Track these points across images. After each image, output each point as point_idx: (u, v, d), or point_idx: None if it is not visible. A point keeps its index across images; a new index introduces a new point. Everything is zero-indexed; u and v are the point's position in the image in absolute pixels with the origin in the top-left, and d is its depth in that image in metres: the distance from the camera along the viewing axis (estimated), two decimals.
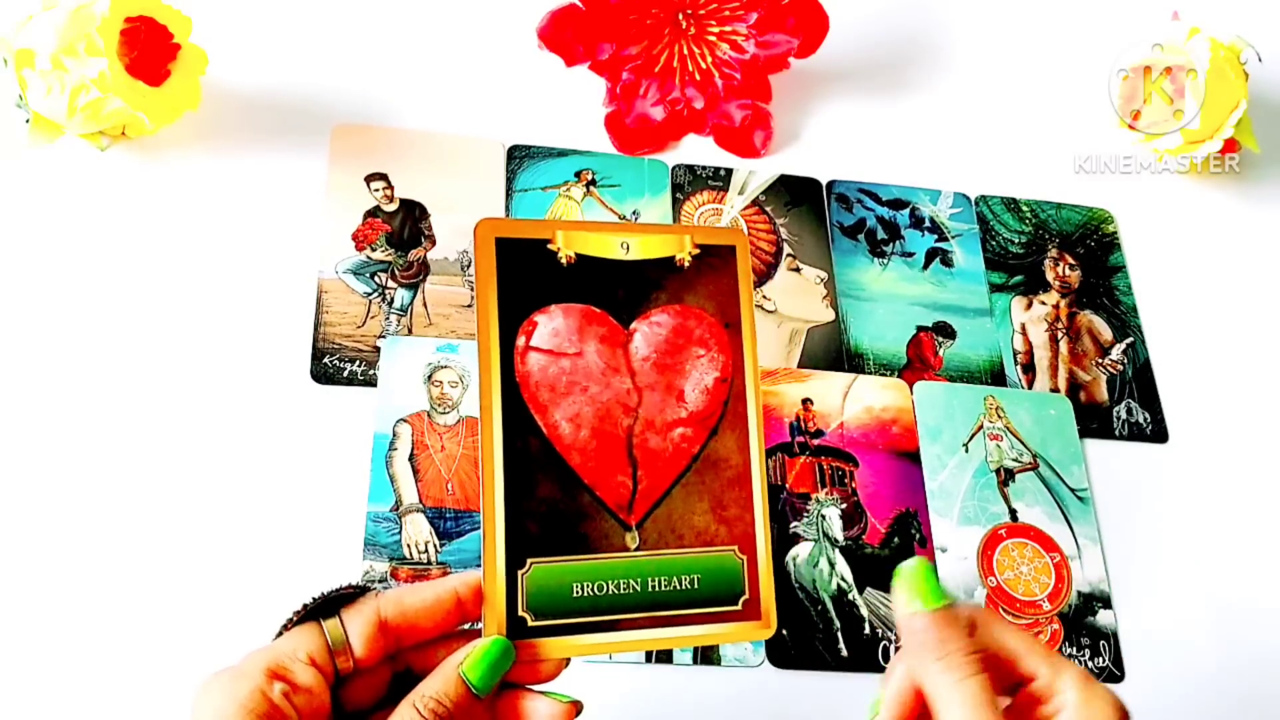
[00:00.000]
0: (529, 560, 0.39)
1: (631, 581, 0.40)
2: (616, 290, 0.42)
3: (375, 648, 0.37)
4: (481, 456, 0.39)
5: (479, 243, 0.40)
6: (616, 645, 0.40)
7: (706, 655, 0.55)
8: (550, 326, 0.41)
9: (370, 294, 0.61)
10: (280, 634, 0.37)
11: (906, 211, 0.71)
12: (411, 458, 0.57)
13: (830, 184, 0.71)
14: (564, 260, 0.41)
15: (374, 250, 0.62)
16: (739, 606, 0.42)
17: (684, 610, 0.41)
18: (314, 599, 0.37)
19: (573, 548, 0.40)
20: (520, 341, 0.40)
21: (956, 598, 0.37)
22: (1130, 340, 0.69)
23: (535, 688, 0.39)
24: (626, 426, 0.41)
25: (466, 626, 0.40)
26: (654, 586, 0.41)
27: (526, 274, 0.41)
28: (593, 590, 0.40)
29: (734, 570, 0.42)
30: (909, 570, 0.37)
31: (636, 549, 0.41)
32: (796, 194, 0.70)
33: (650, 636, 0.40)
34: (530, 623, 0.39)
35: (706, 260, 0.43)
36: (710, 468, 0.42)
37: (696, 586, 0.41)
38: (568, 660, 0.40)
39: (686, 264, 0.43)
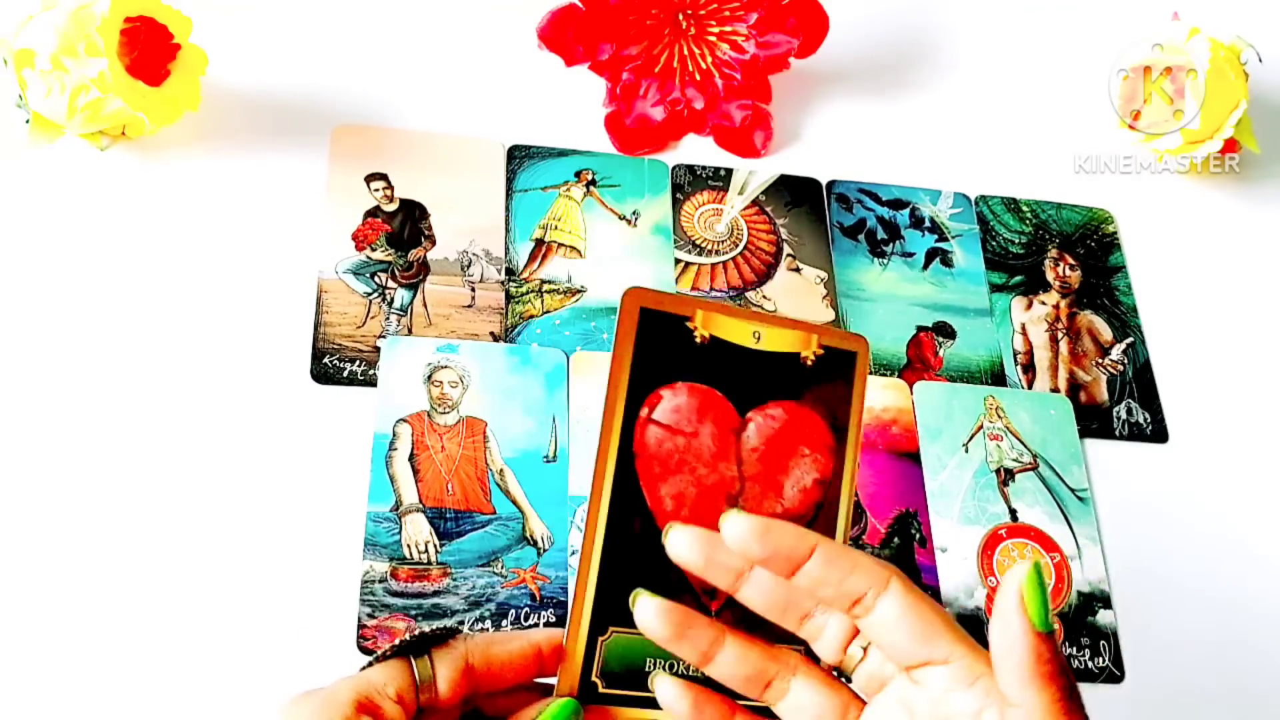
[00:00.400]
0: (611, 629, 0.40)
1: None
2: (741, 378, 0.42)
3: (459, 691, 0.38)
4: (588, 519, 0.40)
5: (625, 310, 0.40)
6: None
7: None
8: (674, 403, 0.41)
9: (370, 294, 0.61)
10: (370, 665, 0.38)
11: (906, 211, 0.71)
12: (411, 458, 0.57)
13: (830, 184, 0.71)
14: (699, 339, 0.42)
15: (374, 250, 0.62)
16: None
17: (752, 701, 0.41)
18: (409, 636, 0.38)
19: None
20: (644, 413, 0.41)
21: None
22: (1130, 340, 0.69)
23: None
24: (724, 514, 0.42)
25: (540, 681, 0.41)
26: None
27: (662, 348, 0.41)
28: (665, 668, 0.41)
29: None
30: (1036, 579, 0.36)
31: None
32: (796, 194, 0.70)
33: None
34: (601, 689, 0.40)
35: (828, 362, 0.43)
36: None
37: None
38: None
39: (810, 363, 0.43)
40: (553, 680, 0.40)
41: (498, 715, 0.39)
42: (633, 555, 0.40)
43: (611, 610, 0.40)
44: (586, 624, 0.40)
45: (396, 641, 0.38)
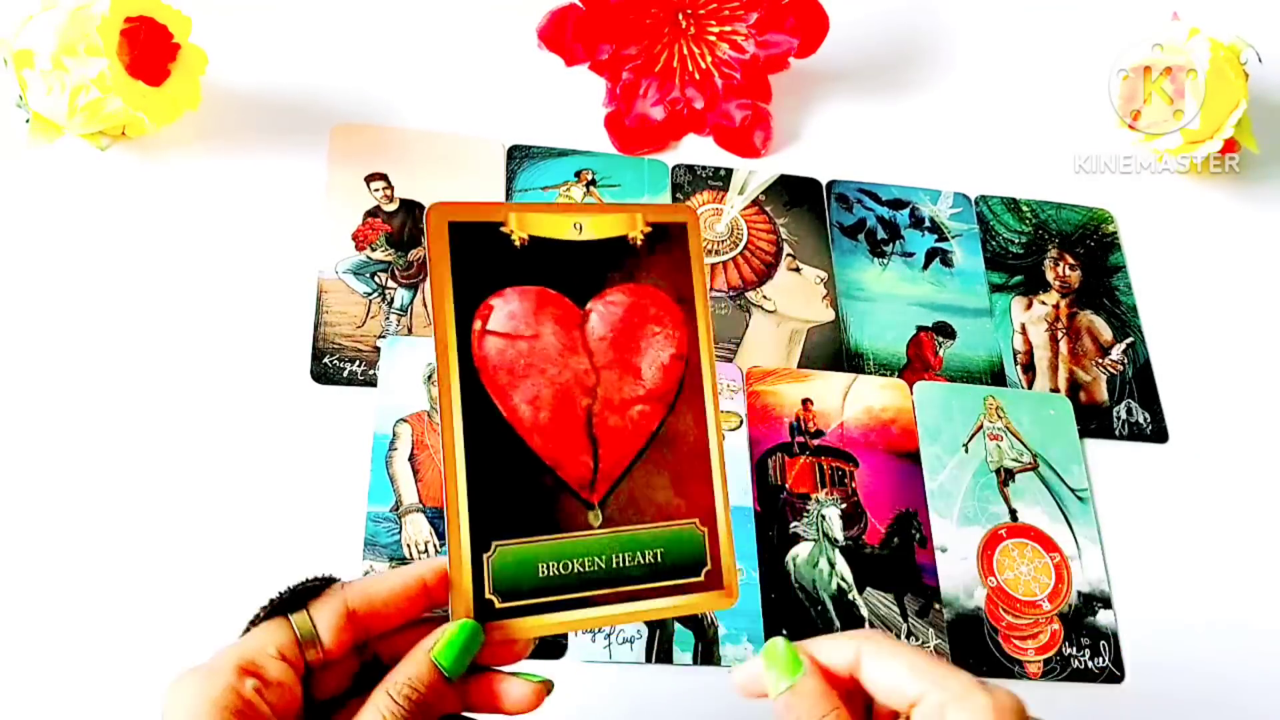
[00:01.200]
0: (493, 543, 0.40)
1: (596, 559, 0.41)
2: (571, 271, 0.42)
3: (344, 639, 0.38)
4: (443, 442, 0.40)
5: (431, 228, 0.40)
6: (583, 622, 0.41)
7: (707, 655, 0.55)
8: (506, 310, 0.41)
9: (370, 294, 0.61)
10: (248, 630, 0.38)
11: (906, 211, 0.71)
12: (411, 458, 0.57)
13: (830, 184, 0.71)
14: (517, 242, 0.42)
15: (374, 250, 0.62)
16: (701, 578, 0.42)
17: (649, 584, 0.41)
18: (280, 594, 0.38)
19: (537, 528, 0.40)
20: (476, 326, 0.40)
21: (803, 664, 0.38)
22: (1130, 340, 0.69)
23: (506, 669, 0.39)
24: (585, 406, 0.42)
25: (434, 612, 0.40)
26: (618, 563, 0.41)
27: (480, 258, 0.41)
28: (558, 569, 0.40)
29: (696, 542, 0.42)
30: (768, 651, 0.38)
31: (600, 527, 0.41)
32: (796, 194, 0.70)
33: (617, 611, 0.41)
34: (497, 605, 0.39)
35: (659, 238, 0.43)
36: (669, 443, 0.43)
37: (660, 560, 0.42)
38: (536, 639, 0.40)
39: (639, 243, 0.43)
40: (448, 610, 0.39)
41: (398, 657, 0.38)
42: (498, 467, 0.40)
43: (490, 525, 0.39)
44: (467, 544, 0.39)
45: (268, 600, 0.37)
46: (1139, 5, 0.78)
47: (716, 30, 0.71)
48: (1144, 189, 0.75)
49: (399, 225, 0.64)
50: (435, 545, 0.55)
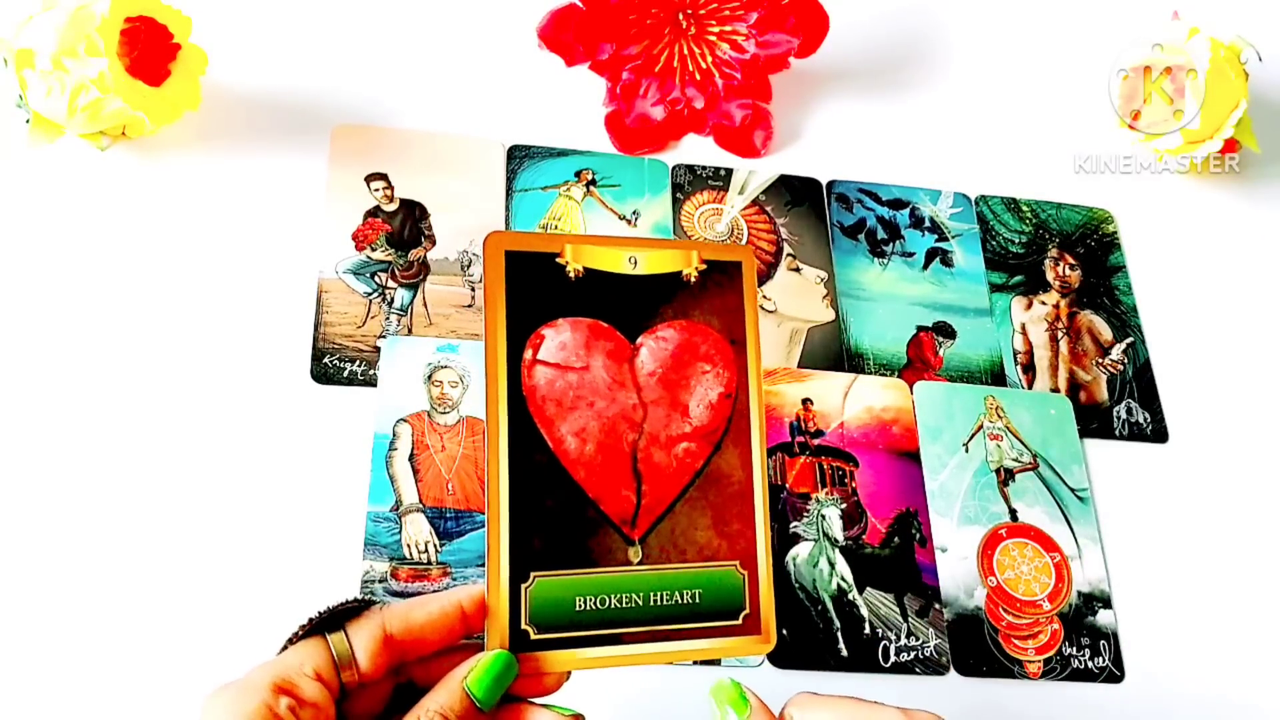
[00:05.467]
0: (532, 574, 0.39)
1: (634, 595, 0.41)
2: (624, 305, 0.42)
3: (380, 662, 0.38)
4: (488, 470, 0.39)
5: (488, 256, 0.40)
6: (618, 659, 0.40)
7: None
8: (557, 340, 0.41)
9: (370, 294, 0.61)
10: (285, 648, 0.38)
11: (906, 211, 0.71)
12: (411, 458, 0.57)
13: (830, 184, 0.71)
14: (572, 274, 0.41)
15: (374, 250, 0.62)
16: (739, 621, 0.42)
17: (685, 625, 0.41)
18: (319, 613, 0.38)
19: (576, 561, 0.40)
20: (527, 355, 0.40)
21: (750, 704, 0.39)
22: (1130, 340, 0.69)
23: (538, 700, 0.39)
24: (631, 441, 0.41)
25: (469, 639, 0.40)
26: (656, 601, 0.41)
27: (535, 287, 0.41)
28: (595, 604, 0.40)
29: (735, 586, 0.42)
30: (716, 690, 0.39)
31: (639, 563, 0.41)
32: (796, 194, 0.70)
33: (651, 650, 0.41)
34: (533, 636, 0.39)
35: (713, 276, 0.43)
36: (713, 483, 0.42)
37: (698, 601, 0.41)
38: (569, 673, 0.40)
39: (693, 279, 0.43)
40: (483, 638, 0.39)
41: (433, 682, 0.38)
42: (541, 498, 0.40)
43: (530, 556, 0.39)
44: (505, 574, 0.39)
45: (307, 620, 0.37)
46: (1139, 5, 0.78)
47: (717, 30, 0.71)
48: (1144, 189, 0.75)
49: (399, 225, 0.64)
50: (435, 545, 0.55)
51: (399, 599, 0.53)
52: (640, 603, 0.40)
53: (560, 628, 0.40)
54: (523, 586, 0.39)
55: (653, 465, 0.42)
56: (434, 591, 0.53)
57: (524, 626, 0.39)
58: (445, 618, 0.39)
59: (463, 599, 0.39)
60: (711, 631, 0.41)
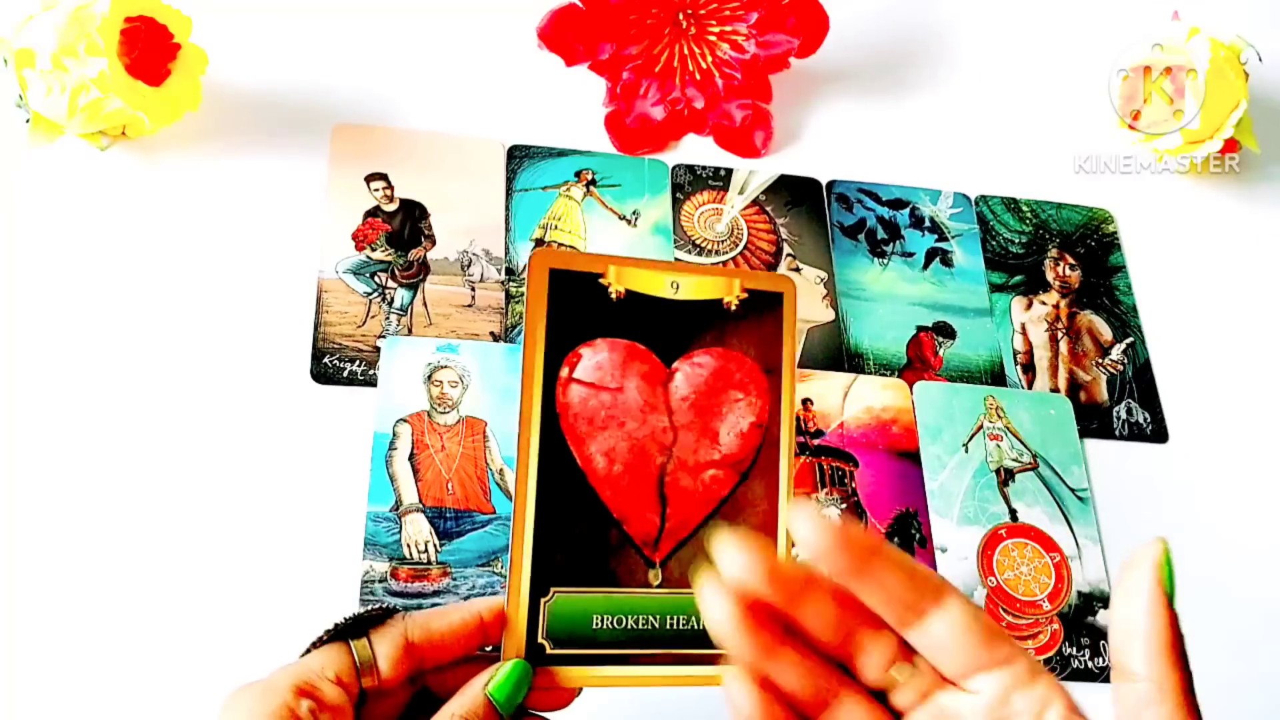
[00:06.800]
0: (552, 589, 0.40)
1: (651, 617, 0.41)
2: (663, 329, 0.42)
3: (401, 669, 0.38)
4: (516, 483, 0.40)
5: (533, 272, 0.41)
6: (631, 679, 0.41)
7: None
8: (594, 360, 0.41)
9: (370, 294, 0.61)
10: (308, 651, 0.38)
11: (906, 211, 0.71)
12: (411, 458, 0.57)
13: (830, 184, 0.71)
14: (614, 295, 0.42)
15: (374, 250, 0.62)
16: None
17: (700, 650, 0.41)
18: (344, 619, 0.38)
19: (596, 580, 0.41)
20: (564, 373, 0.41)
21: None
22: (1130, 340, 0.69)
23: (548, 716, 0.40)
24: (659, 464, 0.42)
25: (485, 651, 0.41)
26: (673, 624, 0.41)
27: (576, 306, 0.41)
28: (612, 623, 0.40)
29: None
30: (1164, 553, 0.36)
31: (659, 586, 0.41)
32: (796, 194, 0.70)
33: (665, 673, 0.41)
34: (548, 650, 0.40)
35: (754, 305, 0.43)
36: (738, 511, 0.43)
37: None
38: (579, 690, 0.40)
39: (734, 307, 0.43)
40: (500, 649, 0.39)
41: (448, 691, 0.39)
42: (566, 514, 0.40)
43: (550, 571, 0.40)
44: (526, 587, 0.39)
45: (332, 625, 0.38)
46: (1139, 5, 0.78)
47: (717, 30, 0.71)
48: (1144, 189, 0.75)
49: (399, 225, 0.64)
50: (435, 545, 0.55)
51: (400, 599, 0.53)
52: (657, 625, 0.41)
53: (576, 644, 0.40)
54: (542, 601, 0.40)
55: (679, 490, 0.42)
56: (433, 591, 0.54)
57: (540, 640, 0.40)
58: (465, 627, 0.39)
59: (482, 610, 0.40)
60: (724, 658, 0.42)
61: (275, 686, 0.36)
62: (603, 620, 0.40)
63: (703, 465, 0.42)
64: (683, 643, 0.41)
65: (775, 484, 0.43)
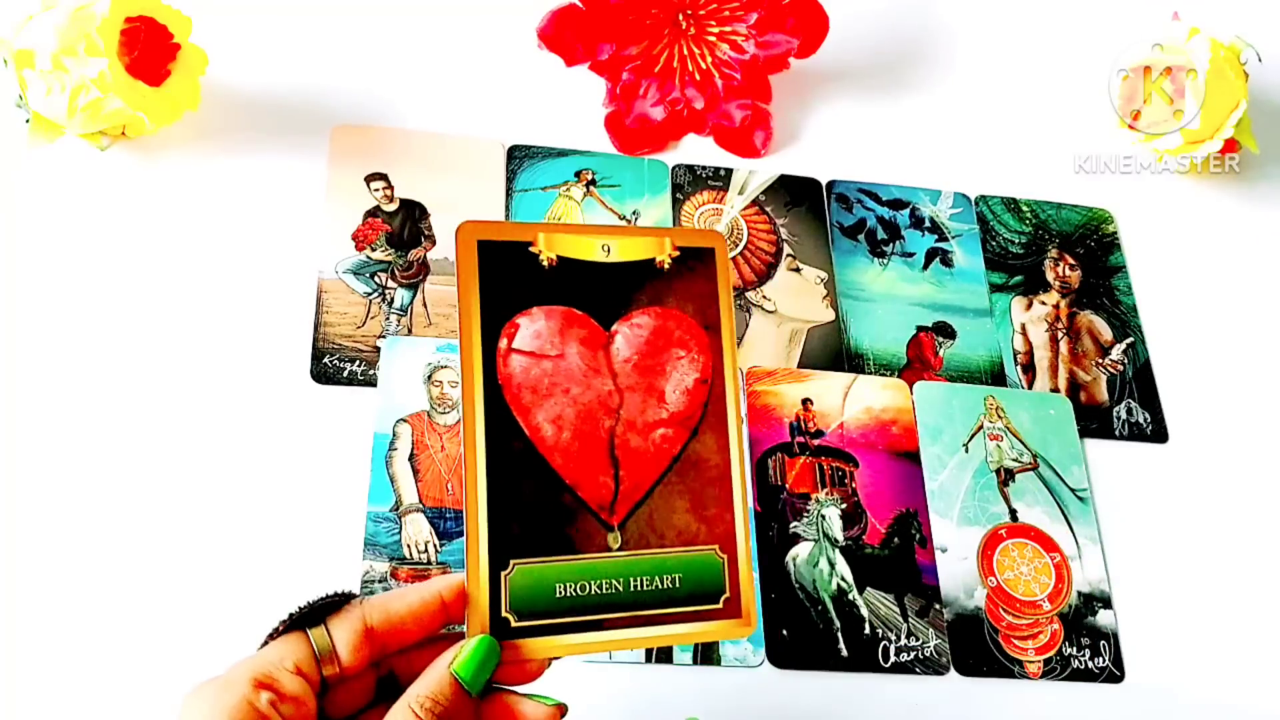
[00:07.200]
0: (512, 561, 0.40)
1: (614, 581, 0.41)
2: (598, 293, 0.42)
3: (361, 655, 0.38)
4: (465, 458, 0.40)
5: (461, 245, 0.41)
6: (599, 645, 0.41)
7: (706, 655, 0.55)
8: (532, 329, 0.41)
9: (370, 294, 0.61)
10: (265, 643, 0.38)
11: (906, 211, 0.71)
12: (411, 458, 0.57)
13: (830, 184, 0.71)
14: (545, 263, 0.42)
15: (374, 250, 0.62)
16: (720, 605, 0.42)
17: (666, 609, 0.41)
18: (299, 608, 0.38)
19: (555, 548, 0.40)
20: (502, 344, 0.41)
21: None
22: (1130, 340, 0.69)
23: (520, 689, 0.39)
24: (608, 427, 0.42)
25: (450, 630, 0.40)
26: (636, 586, 0.41)
27: (508, 276, 0.41)
28: (575, 590, 0.40)
29: (715, 569, 0.42)
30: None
31: (619, 549, 0.41)
32: (796, 194, 0.70)
33: (633, 635, 0.41)
34: (513, 623, 0.39)
35: (686, 262, 0.43)
36: (691, 468, 0.43)
37: (678, 585, 0.42)
38: (551, 660, 0.40)
39: (666, 266, 0.43)
40: (464, 628, 0.39)
41: (414, 673, 0.38)
42: (518, 485, 0.40)
43: (509, 543, 0.40)
44: (485, 562, 0.39)
45: (288, 615, 0.38)
46: (1139, 5, 0.78)
47: (716, 30, 0.71)
48: (1144, 189, 0.75)
49: (399, 225, 0.64)
50: (435, 545, 0.55)
51: (379, 596, 0.53)
52: (620, 588, 0.41)
53: (541, 615, 0.40)
54: (502, 574, 0.39)
55: (630, 451, 0.42)
56: None
57: (504, 614, 0.39)
58: (425, 608, 0.39)
59: (442, 589, 0.39)
60: (692, 615, 0.42)
61: (233, 681, 0.36)
62: (566, 588, 0.40)
63: (652, 425, 0.42)
64: (647, 604, 0.41)
65: (725, 438, 0.43)
